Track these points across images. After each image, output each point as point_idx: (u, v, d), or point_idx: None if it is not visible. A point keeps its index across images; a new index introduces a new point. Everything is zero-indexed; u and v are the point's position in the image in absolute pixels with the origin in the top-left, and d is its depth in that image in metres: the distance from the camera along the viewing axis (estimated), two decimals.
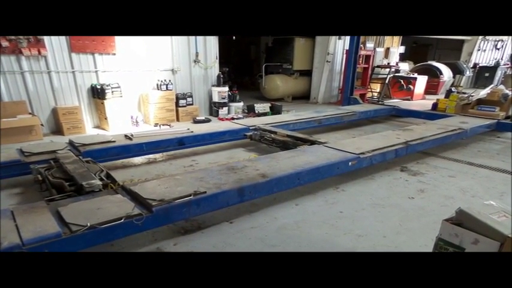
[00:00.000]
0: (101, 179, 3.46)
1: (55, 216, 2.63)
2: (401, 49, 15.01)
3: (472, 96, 8.48)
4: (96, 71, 7.46)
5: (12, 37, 6.24)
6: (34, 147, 4.59)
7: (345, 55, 11.59)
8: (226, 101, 9.30)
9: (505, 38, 19.05)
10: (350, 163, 4.41)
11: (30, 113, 6.71)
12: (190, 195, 3.05)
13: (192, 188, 3.19)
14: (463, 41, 18.15)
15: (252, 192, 3.48)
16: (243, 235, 3.30)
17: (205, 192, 3.15)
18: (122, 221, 2.63)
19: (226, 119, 8.64)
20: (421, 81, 13.08)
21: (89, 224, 2.49)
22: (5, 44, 6.20)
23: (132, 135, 5.27)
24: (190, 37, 8.63)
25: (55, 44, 6.79)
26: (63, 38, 6.85)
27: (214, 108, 9.34)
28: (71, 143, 4.85)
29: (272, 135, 5.75)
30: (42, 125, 6.69)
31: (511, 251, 1.68)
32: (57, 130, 7.14)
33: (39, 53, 6.57)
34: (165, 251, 3.04)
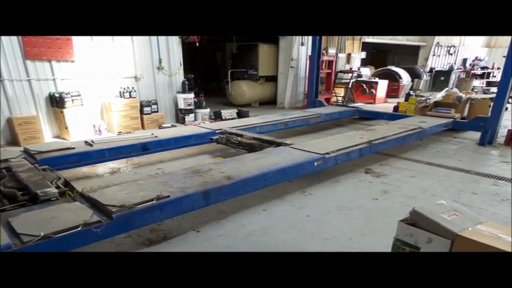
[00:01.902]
0: (58, 187, 3.29)
1: (5, 227, 2.47)
2: (363, 54, 15.51)
3: (430, 99, 8.91)
4: (54, 79, 7.14)
5: None
6: None
7: (308, 61, 11.81)
8: (192, 107, 9.20)
9: (456, 43, 20.19)
10: (315, 163, 4.47)
11: None
12: (152, 200, 2.97)
13: (155, 192, 3.10)
14: (419, 47, 19.06)
15: (218, 195, 3.44)
16: (210, 244, 3.26)
17: (169, 196, 3.08)
18: (79, 229, 2.50)
19: (194, 125, 8.53)
20: (382, 85, 13.59)
21: (42, 234, 2.35)
22: None
23: (92, 141, 5.08)
24: (152, 43, 8.46)
25: (7, 51, 6.43)
26: (16, 45, 6.51)
27: (180, 115, 9.21)
28: (26, 151, 4.61)
29: (238, 138, 5.73)
30: None
31: (461, 249, 1.76)
32: (13, 141, 6.76)
33: None
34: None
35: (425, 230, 1.90)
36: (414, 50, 19.39)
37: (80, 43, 7.28)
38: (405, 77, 15.39)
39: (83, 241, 2.58)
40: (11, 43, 6.45)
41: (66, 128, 7.12)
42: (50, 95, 7.18)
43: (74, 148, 4.77)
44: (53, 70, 7.08)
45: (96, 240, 2.69)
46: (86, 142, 5.03)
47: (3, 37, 6.32)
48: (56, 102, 7.11)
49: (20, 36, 6.50)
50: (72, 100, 7.12)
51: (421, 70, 17.25)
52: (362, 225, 3.66)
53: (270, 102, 13.02)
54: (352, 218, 3.81)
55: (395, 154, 6.32)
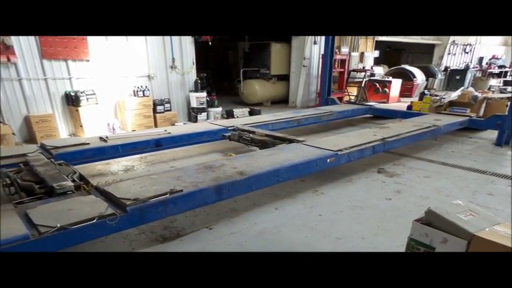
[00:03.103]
0: (73, 181, 3.35)
1: (23, 218, 2.54)
2: (376, 53, 15.35)
3: (444, 98, 8.77)
4: (69, 78, 7.27)
5: None
6: (2, 151, 4.43)
7: (320, 59, 11.76)
8: (204, 106, 9.25)
9: (472, 42, 19.83)
10: (328, 160, 4.44)
11: (0, 122, 6.46)
12: (166, 194, 2.99)
13: (168, 186, 3.13)
14: (433, 45, 18.77)
15: (230, 190, 3.45)
16: (222, 241, 3.28)
17: (182, 190, 3.10)
18: (95, 221, 2.55)
19: (206, 122, 8.59)
20: (396, 84, 13.43)
21: (58, 225, 2.40)
22: None
23: (107, 137, 5.15)
24: (165, 42, 8.54)
25: (26, 51, 6.58)
26: (33, 45, 6.65)
27: (192, 114, 9.27)
28: (42, 146, 4.70)
29: (250, 135, 5.74)
30: (13, 133, 6.45)
31: (478, 250, 1.74)
32: (30, 139, 6.91)
33: (9, 59, 6.35)
34: None
35: (441, 230, 1.88)
36: (429, 49, 19.11)
37: (95, 43, 7.39)
38: (419, 76, 15.19)
39: (97, 233, 2.63)
40: (29, 43, 6.60)
41: (81, 126, 7.24)
42: (66, 94, 7.31)
43: (88, 144, 4.84)
44: (69, 69, 7.21)
45: (111, 233, 2.75)
46: (100, 138, 5.11)
47: (21, 37, 6.46)
48: (72, 100, 7.24)
49: (37, 36, 6.63)
50: (87, 99, 7.24)
51: (436, 69, 17.00)
52: (375, 225, 3.63)
53: (282, 101, 13.00)
54: (365, 218, 3.79)
55: (409, 154, 6.25)
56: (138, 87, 8.12)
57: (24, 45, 6.55)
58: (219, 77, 15.90)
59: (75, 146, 4.71)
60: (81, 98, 7.10)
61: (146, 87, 8.24)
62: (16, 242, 2.24)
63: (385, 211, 3.97)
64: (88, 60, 7.39)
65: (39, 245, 2.34)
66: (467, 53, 19.91)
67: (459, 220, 1.88)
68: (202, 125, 6.82)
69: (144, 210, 2.84)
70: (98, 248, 3.13)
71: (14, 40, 6.40)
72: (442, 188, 4.69)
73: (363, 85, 12.70)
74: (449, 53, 18.84)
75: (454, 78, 17.97)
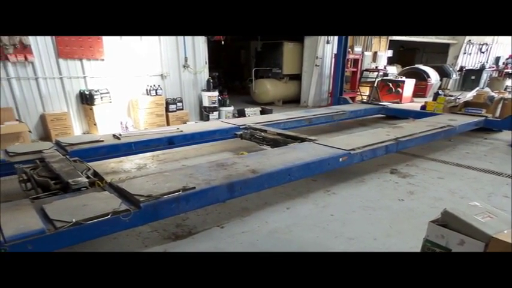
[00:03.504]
0: (88, 177, 3.40)
1: (39, 213, 2.59)
2: (389, 53, 15.19)
3: (459, 98, 8.64)
4: (84, 77, 7.39)
5: None
6: (19, 147, 4.54)
7: (333, 59, 11.69)
8: (216, 105, 9.29)
9: (489, 41, 19.45)
10: (341, 159, 4.41)
11: (17, 120, 6.60)
12: (179, 191, 3.01)
13: (181, 184, 3.15)
14: (448, 45, 18.48)
15: (243, 188, 3.45)
16: (234, 240, 3.29)
17: (195, 187, 3.12)
18: (109, 217, 2.59)
19: (218, 121, 8.62)
20: (409, 84, 13.26)
21: (74, 220, 2.45)
22: None
23: (120, 134, 5.22)
24: (178, 42, 8.61)
25: (42, 50, 6.71)
26: (50, 44, 6.78)
27: (204, 113, 9.32)
28: (57, 143, 4.78)
29: (262, 133, 5.74)
30: (30, 131, 6.58)
31: (496, 251, 1.71)
32: (46, 136, 7.04)
33: (26, 59, 6.49)
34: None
35: (458, 231, 1.85)
36: (443, 48, 18.83)
37: (110, 42, 7.49)
38: (433, 76, 14.97)
39: (111, 229, 2.67)
40: (46, 42, 6.72)
41: (95, 124, 7.34)
42: (81, 93, 7.43)
43: (102, 141, 4.90)
44: (84, 68, 7.33)
45: (124, 229, 2.78)
46: (114, 135, 5.18)
47: (38, 37, 6.58)
48: (86, 99, 7.35)
49: (54, 36, 6.75)
50: (101, 97, 7.33)
51: (451, 69, 16.74)
52: (387, 225, 3.60)
53: (294, 101, 12.97)
54: (377, 219, 3.76)
55: (422, 155, 6.17)
56: (151, 86, 8.19)
57: (41, 45, 6.68)
58: (230, 76, 15.95)
59: (89, 143, 4.79)
60: (95, 97, 7.20)
61: (159, 86, 8.32)
62: (33, 236, 2.29)
63: (397, 212, 3.93)
64: (103, 60, 7.50)
65: (55, 240, 2.39)
66: (483, 52, 19.55)
67: (476, 222, 1.85)
68: (214, 123, 6.86)
69: (157, 207, 2.87)
70: (111, 245, 3.17)
71: (32, 40, 6.53)
72: (456, 189, 4.62)
73: (375, 85, 12.59)
74: (464, 53, 18.53)
75: (469, 78, 17.67)
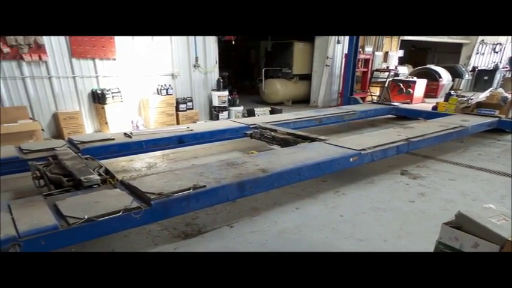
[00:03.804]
0: (100, 175, 3.44)
1: (52, 209, 2.63)
2: (400, 53, 15.05)
3: (472, 99, 8.52)
4: (96, 76, 7.49)
5: (14, 43, 6.27)
6: (33, 145, 4.61)
7: (344, 59, 11.63)
8: (226, 105, 9.33)
9: (503, 41, 19.13)
10: (351, 159, 4.40)
11: (31, 118, 6.71)
12: (189, 189, 3.04)
13: (192, 182, 3.17)
14: (461, 45, 18.22)
15: (253, 187, 3.46)
16: (243, 239, 3.30)
17: (205, 186, 3.14)
18: (120, 214, 2.62)
19: (228, 120, 8.65)
20: (421, 84, 13.12)
21: (86, 217, 2.48)
22: (6, 50, 6.22)
23: (131, 133, 5.28)
24: (189, 42, 8.66)
25: (56, 50, 6.82)
26: (63, 44, 6.88)
27: (214, 113, 9.36)
28: (70, 141, 4.86)
29: (272, 133, 5.73)
30: (42, 129, 6.68)
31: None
32: (58, 135, 7.15)
33: (40, 58, 6.60)
34: None
35: (472, 234, 1.83)
36: (456, 48, 18.56)
37: (122, 42, 7.57)
38: (445, 76, 14.78)
39: (123, 226, 2.71)
40: (59, 42, 6.83)
41: (106, 123, 7.43)
42: (93, 92, 7.52)
43: (114, 139, 4.96)
44: (96, 68, 7.43)
45: (135, 226, 2.81)
46: (125, 134, 5.24)
47: (52, 36, 6.68)
48: (98, 98, 7.44)
49: (67, 36, 6.85)
50: (113, 96, 7.42)
51: (463, 69, 16.50)
52: (397, 227, 3.57)
53: (303, 101, 12.95)
54: (388, 220, 3.73)
55: (433, 156, 6.11)
56: (161, 86, 8.26)
57: (55, 45, 6.80)
58: (240, 76, 15.98)
59: (101, 141, 4.84)
60: (107, 96, 7.29)
61: (170, 85, 8.38)
62: (46, 232, 2.33)
63: (408, 214, 3.90)
64: (114, 59, 7.59)
65: (68, 236, 2.43)
66: (496, 52, 19.23)
67: (491, 224, 1.83)
68: (224, 122, 6.89)
69: (167, 205, 2.90)
70: (122, 243, 3.21)
71: (46, 39, 6.64)
72: (468, 191, 4.57)
73: (386, 85, 12.48)
74: (477, 53, 18.25)
75: (482, 78, 17.40)
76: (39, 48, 6.58)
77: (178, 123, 8.60)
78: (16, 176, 4.41)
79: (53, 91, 7.02)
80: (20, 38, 6.32)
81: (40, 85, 6.84)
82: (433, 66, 15.35)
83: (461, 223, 1.90)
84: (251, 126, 6.10)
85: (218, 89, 9.29)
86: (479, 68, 18.06)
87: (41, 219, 2.45)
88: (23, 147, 4.37)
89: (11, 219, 2.44)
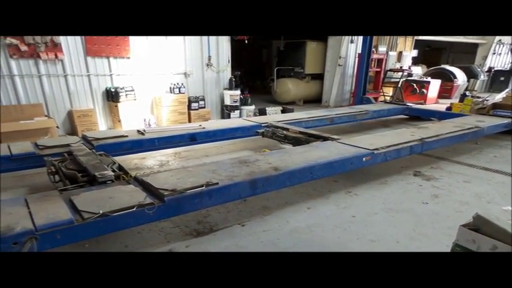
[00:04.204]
0: (113, 171, 3.48)
1: (68, 204, 2.68)
2: (414, 53, 14.86)
3: (487, 100, 8.37)
4: (110, 75, 7.58)
5: (31, 41, 6.38)
6: (48, 141, 4.71)
7: (357, 58, 11.54)
8: (238, 104, 9.34)
9: None
10: (364, 159, 4.36)
11: (46, 116, 6.84)
12: (202, 186, 3.05)
13: (204, 179, 3.19)
14: (477, 45, 17.91)
15: (265, 185, 3.46)
16: (255, 238, 3.31)
17: (218, 183, 3.15)
18: (134, 209, 2.65)
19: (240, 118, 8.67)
20: (435, 85, 12.93)
21: (101, 212, 2.52)
22: (24, 48, 6.34)
23: (144, 130, 5.33)
24: (203, 41, 8.70)
25: (72, 48, 6.93)
26: (79, 43, 6.99)
27: (226, 112, 9.38)
28: (84, 137, 4.93)
29: (284, 131, 5.71)
30: (57, 127, 6.81)
31: None
32: (72, 132, 7.25)
33: (56, 57, 6.72)
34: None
35: (490, 236, 1.80)
36: (471, 48, 18.25)
37: (136, 41, 7.65)
38: (460, 77, 14.54)
39: (136, 221, 2.74)
40: (75, 41, 6.94)
41: (119, 121, 7.52)
42: (106, 90, 7.62)
43: (127, 136, 5.03)
44: (110, 66, 7.52)
45: (149, 222, 2.84)
46: (138, 131, 5.30)
47: (68, 36, 6.79)
48: (112, 96, 7.53)
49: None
50: (126, 95, 7.51)
51: (479, 69, 16.21)
52: (410, 229, 3.53)
53: (315, 101, 12.90)
54: (400, 221, 3.70)
55: (447, 157, 6.02)
56: (174, 84, 8.32)
57: (71, 43, 6.90)
58: (251, 76, 15.98)
59: (114, 138, 4.91)
60: (120, 94, 7.38)
61: (182, 84, 8.43)
62: (62, 226, 2.37)
63: (421, 215, 3.85)
64: (128, 58, 7.67)
65: (82, 230, 2.47)
66: None
67: (510, 227, 1.79)
68: (236, 121, 6.90)
69: (180, 201, 2.92)
70: (135, 239, 3.25)
71: (62, 38, 6.75)
72: (483, 194, 4.49)
73: (399, 85, 12.34)
74: (494, 53, 17.91)
75: (498, 79, 17.08)
76: (56, 47, 6.69)
77: (190, 121, 8.65)
78: (32, 172, 4.51)
79: (68, 89, 7.13)
80: (37, 37, 6.43)
81: (56, 83, 6.96)
82: (447, 67, 15.13)
83: (479, 225, 1.86)
84: (263, 124, 6.09)
85: (230, 88, 9.32)
86: (495, 69, 17.72)
87: (57, 213, 2.49)
88: (39, 143, 4.45)
89: (28, 213, 2.49)
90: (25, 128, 6.24)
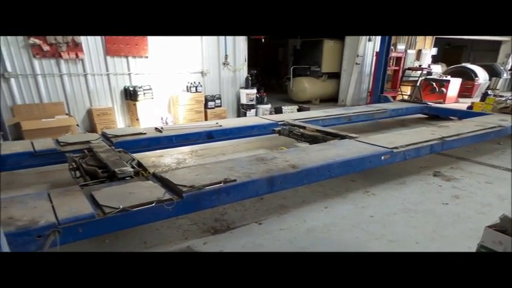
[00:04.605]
0: (133, 167, 3.53)
1: (89, 199, 2.73)
2: (434, 51, 14.59)
3: (511, 99, 8.14)
4: (129, 74, 7.70)
5: (53, 41, 6.54)
6: (69, 138, 4.80)
7: (375, 57, 11.40)
8: (254, 103, 9.35)
9: None
10: (383, 157, 4.30)
11: (67, 114, 7.00)
12: (220, 183, 3.07)
13: (222, 176, 3.20)
14: (500, 42, 17.43)
15: (282, 183, 3.45)
16: (271, 236, 3.31)
17: (236, 180, 3.16)
18: (153, 205, 2.68)
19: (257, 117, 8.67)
20: (455, 83, 12.67)
21: (121, 207, 2.56)
22: (46, 48, 6.50)
23: (162, 128, 5.39)
24: (220, 40, 8.74)
25: (92, 48, 7.06)
26: (99, 42, 7.12)
27: (242, 110, 9.41)
28: (103, 134, 5.02)
29: (301, 130, 5.66)
30: (77, 125, 6.96)
31: None
32: (92, 130, 7.40)
33: (77, 56, 6.86)
34: (195, 250, 3.09)
35: None
36: (494, 46, 17.78)
37: (154, 40, 7.74)
38: (482, 76, 14.19)
39: (155, 216, 2.77)
40: (95, 41, 7.07)
41: (137, 119, 7.63)
42: (125, 89, 7.74)
43: (145, 133, 5.09)
44: (129, 65, 7.64)
45: (167, 217, 2.87)
46: (156, 128, 5.36)
47: (89, 36, 6.92)
48: (130, 95, 7.65)
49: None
50: (144, 93, 7.61)
51: (501, 68, 15.78)
52: (430, 229, 3.47)
53: (331, 100, 12.80)
54: (420, 222, 3.63)
55: (468, 157, 5.88)
56: (191, 83, 8.38)
57: (91, 43, 7.04)
58: (267, 75, 15.97)
59: (133, 135, 4.98)
60: (138, 93, 7.48)
61: (199, 83, 8.49)
62: (84, 220, 2.42)
63: (441, 216, 3.78)
64: (147, 57, 7.77)
65: (103, 224, 2.52)
66: None
67: None
68: (253, 119, 6.90)
69: (199, 198, 2.94)
70: (154, 235, 3.30)
71: (83, 38, 6.89)
72: (506, 195, 4.37)
73: (418, 84, 12.13)
74: None
75: None
76: (76, 47, 6.83)
77: (206, 120, 8.71)
78: (53, 168, 4.63)
79: (88, 88, 7.28)
80: (59, 37, 6.58)
81: (76, 82, 7.11)
82: (468, 65, 14.79)
83: (506, 226, 1.81)
84: (279, 122, 6.06)
85: (246, 87, 9.33)
86: None
87: (79, 207, 2.54)
88: (60, 140, 4.55)
89: (51, 207, 2.55)
90: (47, 126, 6.40)
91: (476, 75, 13.99)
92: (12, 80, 6.42)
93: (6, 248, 1.45)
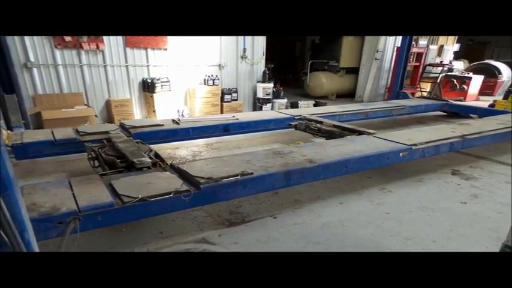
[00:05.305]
0: (150, 158, 3.56)
1: (108, 188, 2.78)
2: (456, 47, 14.20)
3: None
4: (147, 66, 7.77)
5: None
6: (88, 128, 4.90)
7: (395, 52, 11.19)
8: (270, 97, 9.32)
9: None
10: (401, 154, 4.24)
11: (86, 104, 7.13)
12: (237, 175, 3.08)
13: (239, 169, 3.22)
14: None
15: (299, 177, 3.45)
16: (286, 230, 3.32)
17: (252, 173, 3.17)
18: (171, 195, 2.72)
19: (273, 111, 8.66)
20: (477, 81, 12.31)
21: (140, 196, 2.60)
22: (68, 39, 6.62)
23: (179, 120, 5.44)
24: None
25: (112, 39, 7.15)
26: None
27: (258, 104, 9.39)
28: (122, 125, 5.08)
29: (318, 124, 5.62)
30: (96, 115, 7.08)
31: None
32: (109, 121, 7.51)
33: (98, 47, 6.97)
34: (210, 241, 3.12)
35: None
36: None
37: None
38: (506, 73, 13.75)
39: (172, 207, 2.80)
40: None
41: (154, 111, 7.71)
42: (143, 80, 7.83)
43: (162, 125, 5.14)
44: (148, 57, 7.71)
45: (184, 208, 2.91)
46: (173, 120, 5.42)
47: None
48: (148, 87, 7.73)
49: None
50: (162, 86, 7.68)
51: None
52: (447, 228, 3.42)
53: (348, 95, 12.65)
54: (437, 220, 3.58)
55: (488, 157, 5.75)
56: (208, 76, 8.41)
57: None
58: (283, 69, 15.88)
59: (150, 127, 5.04)
60: (156, 85, 7.55)
61: (216, 76, 8.51)
62: (103, 208, 2.48)
63: (459, 215, 3.72)
64: (166, 49, 7.83)
65: (122, 213, 2.57)
66: None
67: None
68: (269, 112, 6.88)
69: (216, 189, 2.96)
70: (169, 226, 3.34)
71: None
72: None
73: (438, 81, 11.85)
74: None
75: None
76: (97, 38, 6.93)
77: (222, 113, 8.74)
78: (72, 158, 4.73)
79: (107, 79, 7.39)
80: None
81: (96, 73, 7.22)
82: (492, 62, 14.36)
83: None
84: (296, 117, 6.02)
85: (263, 81, 9.31)
86: None
87: (99, 196, 2.60)
88: (79, 130, 4.64)
89: (72, 194, 2.61)
90: (66, 115, 6.54)
91: (500, 73, 13.58)
92: (35, 70, 6.57)
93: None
